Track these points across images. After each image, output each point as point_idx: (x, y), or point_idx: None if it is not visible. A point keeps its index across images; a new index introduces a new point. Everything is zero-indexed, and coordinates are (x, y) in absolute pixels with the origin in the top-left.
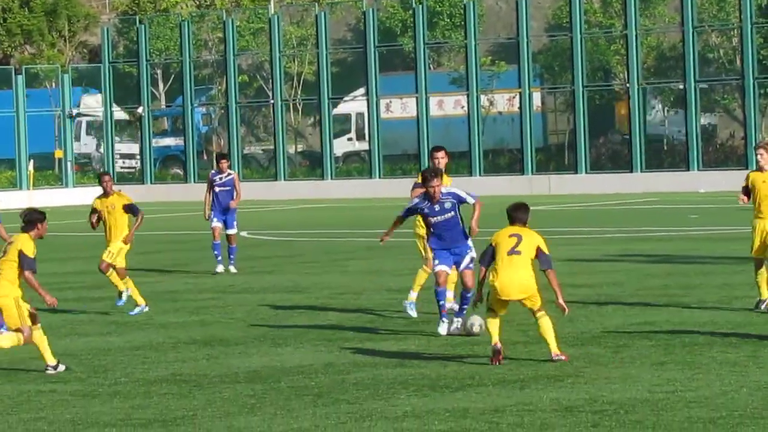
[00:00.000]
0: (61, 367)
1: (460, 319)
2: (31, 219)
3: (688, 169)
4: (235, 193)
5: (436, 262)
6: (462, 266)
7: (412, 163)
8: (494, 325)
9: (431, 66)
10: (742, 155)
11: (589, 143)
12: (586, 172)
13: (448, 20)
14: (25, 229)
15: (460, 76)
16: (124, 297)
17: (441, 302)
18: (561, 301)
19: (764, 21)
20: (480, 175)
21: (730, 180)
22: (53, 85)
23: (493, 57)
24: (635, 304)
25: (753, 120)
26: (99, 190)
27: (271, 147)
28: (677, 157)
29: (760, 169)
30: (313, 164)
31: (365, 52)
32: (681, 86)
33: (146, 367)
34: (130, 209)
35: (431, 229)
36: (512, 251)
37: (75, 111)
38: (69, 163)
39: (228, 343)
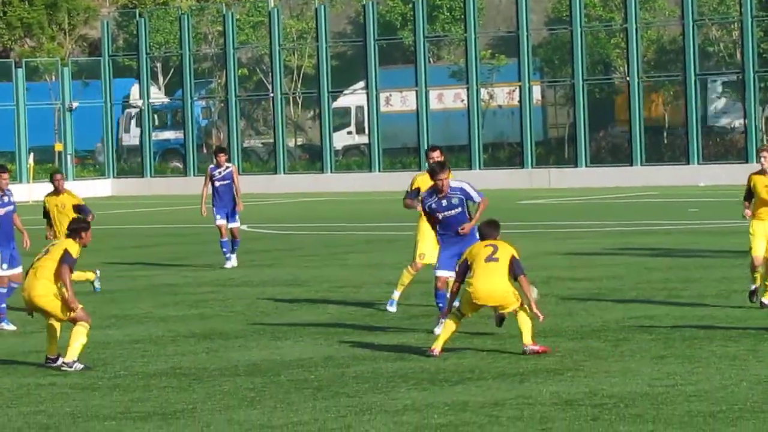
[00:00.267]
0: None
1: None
2: (75, 228)
3: (688, 163)
4: (235, 190)
5: (437, 265)
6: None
7: (412, 156)
8: (449, 328)
9: (431, 59)
10: (742, 149)
11: (589, 137)
12: (586, 166)
13: (448, 14)
14: (70, 237)
15: (459, 70)
16: (97, 283)
17: (440, 304)
18: (535, 309)
19: (764, 14)
20: (480, 168)
21: (730, 173)
22: (53, 78)
23: (493, 50)
24: (635, 298)
25: (753, 113)
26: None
27: (271, 140)
28: (677, 150)
29: (762, 172)
30: (312, 158)
31: (365, 46)
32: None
33: (146, 360)
34: (80, 210)
35: (438, 227)
36: (490, 258)
37: (75, 104)
38: (69, 156)
39: (227, 337)
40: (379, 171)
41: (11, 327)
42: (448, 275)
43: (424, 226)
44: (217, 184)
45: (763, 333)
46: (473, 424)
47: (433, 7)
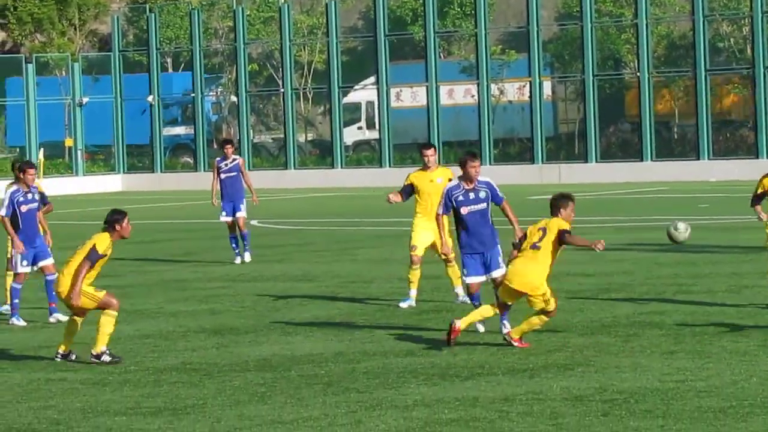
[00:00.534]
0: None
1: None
2: (110, 220)
3: (699, 158)
4: (247, 185)
5: (465, 272)
6: (495, 274)
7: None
8: (484, 312)
9: (441, 55)
10: (752, 144)
11: (600, 132)
12: (597, 161)
13: (459, 9)
14: (105, 230)
15: (470, 65)
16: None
17: (476, 303)
18: (593, 244)
19: None
20: (490, 164)
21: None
22: (63, 73)
23: (504, 46)
24: (645, 293)
25: (764, 109)
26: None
27: (281, 136)
28: (687, 146)
29: None
30: (323, 153)
31: (375, 41)
32: (691, 75)
33: (156, 355)
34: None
35: (461, 225)
36: (534, 246)
37: (85, 99)
38: (79, 152)
39: (238, 332)
40: (390, 166)
41: (21, 322)
42: (481, 280)
43: (417, 222)
44: (223, 176)
45: None
46: (483, 420)
47: (444, 3)
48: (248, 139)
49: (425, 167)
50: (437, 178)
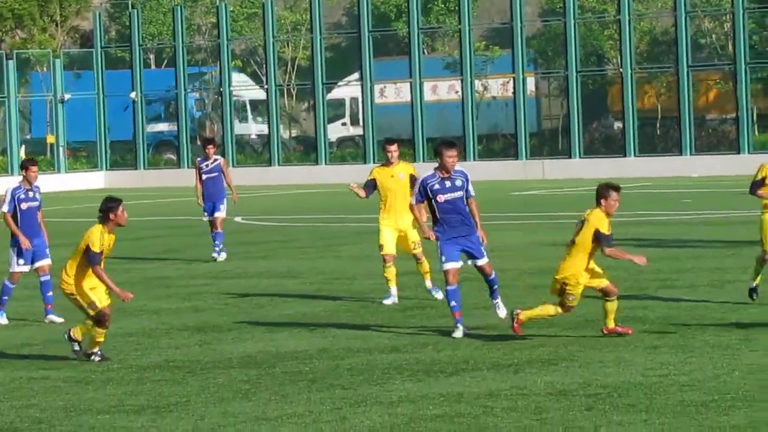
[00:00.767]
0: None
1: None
2: (104, 209)
3: (681, 154)
4: (227, 184)
5: (443, 259)
6: (480, 262)
7: (407, 148)
8: (545, 310)
9: (425, 51)
10: (734, 140)
11: (583, 128)
12: (580, 157)
13: (443, 5)
14: (100, 220)
15: (454, 61)
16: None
17: (453, 303)
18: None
19: (756, 6)
20: (474, 160)
21: (724, 164)
22: (44, 70)
23: (487, 42)
24: (628, 288)
25: (745, 105)
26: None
27: (266, 132)
28: (670, 142)
29: None
30: (307, 149)
31: (359, 37)
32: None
33: (139, 353)
34: None
35: (437, 214)
36: (572, 241)
37: (67, 96)
38: (61, 149)
39: (221, 329)
40: (374, 162)
41: (4, 321)
42: (457, 266)
43: (381, 221)
44: (204, 176)
45: (755, 322)
46: (468, 415)
47: None
48: (232, 135)
49: (387, 162)
50: (399, 174)
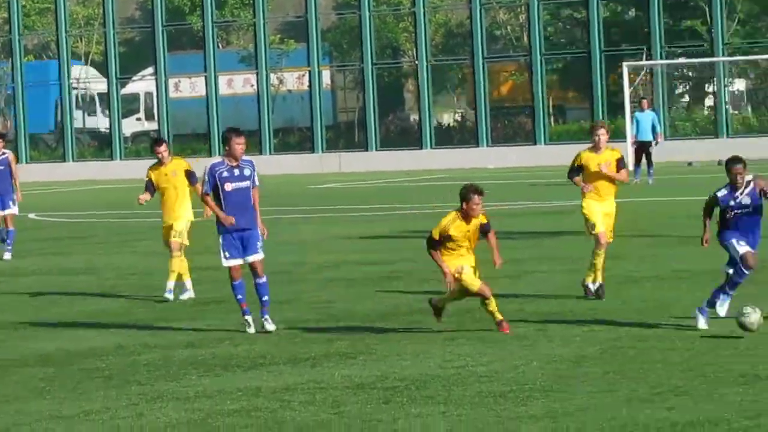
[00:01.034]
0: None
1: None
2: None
3: (477, 146)
4: (12, 179)
5: (227, 254)
6: (251, 258)
7: (202, 142)
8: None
9: (220, 45)
10: (530, 131)
11: (379, 121)
12: (376, 150)
13: None
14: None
15: (249, 55)
16: None
17: (239, 296)
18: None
19: None
20: (270, 153)
21: (520, 155)
22: None
23: (282, 35)
24: (428, 280)
25: (541, 96)
26: None
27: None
28: (467, 133)
29: (595, 148)
30: (101, 145)
31: (153, 31)
32: (469, 63)
33: None
34: None
35: (222, 202)
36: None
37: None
38: None
39: (17, 327)
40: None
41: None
42: (240, 262)
43: (163, 216)
44: None
45: (551, 313)
46: (265, 410)
47: None
48: (25, 131)
49: (160, 163)
50: (171, 172)
